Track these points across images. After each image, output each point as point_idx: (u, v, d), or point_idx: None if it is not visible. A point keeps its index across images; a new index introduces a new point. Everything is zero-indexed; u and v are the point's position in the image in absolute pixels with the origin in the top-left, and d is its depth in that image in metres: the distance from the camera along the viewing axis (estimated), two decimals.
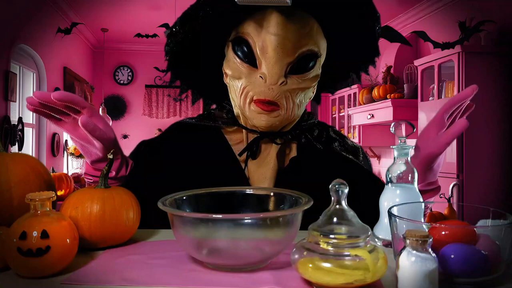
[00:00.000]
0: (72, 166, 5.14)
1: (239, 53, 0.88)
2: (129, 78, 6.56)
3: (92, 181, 0.87)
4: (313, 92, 0.96)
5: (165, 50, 0.97)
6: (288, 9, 0.83)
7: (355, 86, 5.28)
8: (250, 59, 0.87)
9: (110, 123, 6.22)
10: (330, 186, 0.59)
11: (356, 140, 5.20)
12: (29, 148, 4.38)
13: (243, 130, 0.95)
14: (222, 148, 0.96)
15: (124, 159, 0.87)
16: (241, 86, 0.87)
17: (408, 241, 0.52)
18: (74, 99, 0.74)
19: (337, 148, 0.99)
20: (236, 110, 0.96)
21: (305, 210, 0.65)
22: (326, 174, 0.84)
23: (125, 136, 6.35)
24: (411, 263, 0.51)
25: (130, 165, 0.89)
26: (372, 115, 4.57)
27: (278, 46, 0.83)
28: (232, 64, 0.89)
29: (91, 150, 0.81)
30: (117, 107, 6.46)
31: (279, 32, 0.83)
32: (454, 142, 3.15)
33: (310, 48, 0.86)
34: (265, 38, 0.83)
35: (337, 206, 0.58)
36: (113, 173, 0.84)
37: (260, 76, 0.85)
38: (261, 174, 0.91)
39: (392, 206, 0.65)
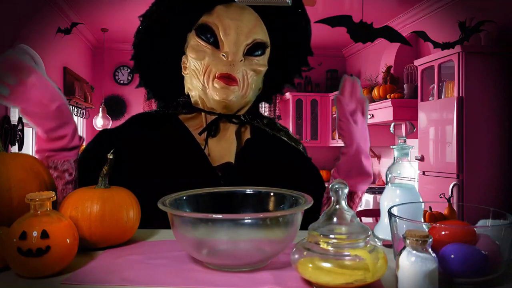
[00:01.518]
0: None
1: (203, 37, 1.01)
2: (129, 78, 6.55)
3: (51, 155, 0.86)
4: (261, 84, 1.08)
5: (134, 40, 1.07)
6: (243, 6, 1.01)
7: None
8: (214, 42, 1.00)
9: (110, 123, 6.17)
10: (330, 186, 0.59)
11: None
12: (29, 148, 4.38)
13: (202, 115, 1.03)
14: (182, 133, 1.03)
15: (76, 128, 0.90)
16: (204, 65, 0.98)
17: (408, 241, 0.52)
18: (19, 63, 0.78)
19: (283, 136, 1.12)
20: (194, 99, 1.04)
21: (305, 210, 0.65)
22: (273, 155, 1.05)
23: None
24: (411, 263, 0.51)
25: (82, 139, 0.93)
26: (372, 115, 4.57)
27: (238, 29, 0.98)
28: (196, 47, 1.01)
29: (44, 117, 0.83)
30: (117, 107, 6.45)
31: (238, 18, 0.99)
32: (454, 143, 3.16)
33: (261, 37, 1.02)
34: (228, 23, 0.99)
35: (337, 206, 0.59)
36: (66, 140, 0.86)
37: (223, 55, 0.98)
38: (222, 148, 1.00)
39: (392, 206, 0.65)
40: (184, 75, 1.06)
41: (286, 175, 0.99)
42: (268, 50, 1.05)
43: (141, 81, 1.10)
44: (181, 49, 1.06)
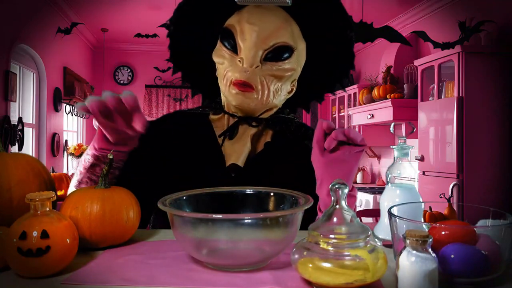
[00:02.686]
0: (72, 166, 5.14)
1: (224, 42, 1.00)
2: (129, 78, 6.56)
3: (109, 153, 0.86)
4: (292, 88, 1.05)
5: (169, 42, 1.08)
6: (271, 7, 0.98)
7: (355, 86, 5.28)
8: (233, 46, 0.99)
9: None
10: (330, 186, 0.59)
11: None
12: (29, 148, 4.38)
13: (225, 116, 1.04)
14: (206, 132, 1.05)
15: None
16: (223, 70, 0.99)
17: (408, 241, 0.52)
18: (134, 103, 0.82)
19: (309, 144, 1.04)
20: (223, 100, 1.06)
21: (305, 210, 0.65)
22: (294, 162, 1.01)
23: None
24: (411, 263, 0.51)
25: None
26: (372, 115, 4.57)
27: (254, 33, 0.95)
28: (218, 52, 1.01)
29: (123, 140, 0.87)
30: None
31: (257, 22, 0.96)
32: (454, 143, 3.16)
33: (285, 41, 0.97)
34: (245, 27, 0.96)
35: (337, 206, 0.58)
36: (130, 147, 0.90)
37: (239, 60, 0.96)
38: (235, 150, 1.00)
39: (392, 206, 0.65)
40: (217, 76, 1.06)
41: (300, 183, 0.94)
42: (298, 53, 1.00)
43: (184, 78, 1.13)
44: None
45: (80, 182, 0.92)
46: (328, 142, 0.81)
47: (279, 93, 1.00)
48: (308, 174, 0.95)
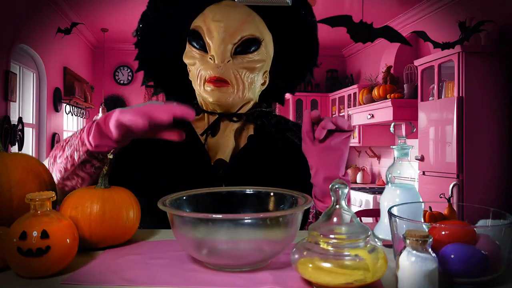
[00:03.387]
0: None
1: (193, 42, 1.02)
2: (129, 78, 6.56)
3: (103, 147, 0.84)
4: (264, 80, 1.07)
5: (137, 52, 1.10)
6: (232, 4, 1.02)
7: (355, 86, 5.28)
8: (202, 46, 1.01)
9: None
10: (330, 186, 0.59)
11: (356, 140, 5.20)
12: (29, 148, 4.38)
13: (205, 116, 1.05)
14: (187, 133, 1.03)
15: None
16: (196, 71, 1.00)
17: (408, 241, 0.52)
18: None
19: (290, 136, 1.09)
20: (199, 101, 1.07)
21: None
22: (279, 154, 1.03)
23: None
24: (411, 263, 0.51)
25: None
26: (372, 115, 4.57)
27: (221, 29, 0.98)
28: (188, 54, 1.03)
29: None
30: (117, 107, 6.44)
31: (222, 19, 0.99)
32: (454, 143, 3.16)
33: (252, 33, 1.00)
34: (211, 25, 0.99)
35: (337, 206, 0.59)
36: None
37: (210, 58, 0.98)
38: (219, 146, 1.01)
39: (392, 206, 0.65)
40: (190, 79, 1.07)
41: (284, 174, 0.98)
42: (266, 44, 1.03)
43: (157, 89, 1.14)
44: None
45: (64, 179, 0.88)
46: (318, 133, 0.82)
47: (253, 85, 1.02)
48: (294, 165, 0.99)
